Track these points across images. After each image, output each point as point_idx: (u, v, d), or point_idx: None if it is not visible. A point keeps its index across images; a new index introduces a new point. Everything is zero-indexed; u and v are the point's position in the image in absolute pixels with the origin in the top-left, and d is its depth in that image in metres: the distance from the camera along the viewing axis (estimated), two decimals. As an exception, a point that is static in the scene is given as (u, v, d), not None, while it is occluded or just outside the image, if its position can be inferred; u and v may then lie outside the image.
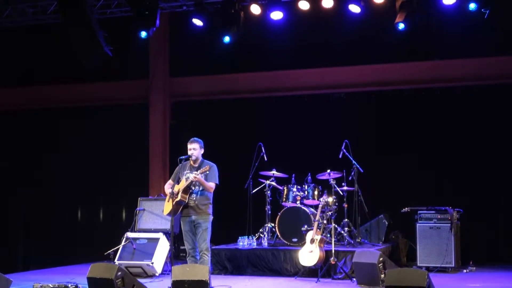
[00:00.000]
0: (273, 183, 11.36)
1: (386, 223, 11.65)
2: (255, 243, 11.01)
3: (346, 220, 11.15)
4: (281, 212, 10.99)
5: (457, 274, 10.48)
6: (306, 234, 10.19)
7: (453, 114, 12.18)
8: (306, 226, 10.45)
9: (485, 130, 11.96)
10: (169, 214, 8.69)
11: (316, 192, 11.12)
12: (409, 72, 12.46)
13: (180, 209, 8.68)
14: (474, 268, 10.78)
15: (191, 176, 8.50)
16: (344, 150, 11.11)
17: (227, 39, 11.20)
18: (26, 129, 14.76)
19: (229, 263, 10.82)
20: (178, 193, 8.59)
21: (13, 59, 14.28)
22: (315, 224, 10.07)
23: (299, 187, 11.17)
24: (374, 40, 12.29)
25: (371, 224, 11.78)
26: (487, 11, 10.67)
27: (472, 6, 10.46)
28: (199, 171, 8.57)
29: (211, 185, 8.62)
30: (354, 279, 9.58)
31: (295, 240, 10.77)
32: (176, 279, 7.87)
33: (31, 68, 14.33)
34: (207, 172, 8.59)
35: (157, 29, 11.11)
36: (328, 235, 10.33)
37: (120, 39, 11.73)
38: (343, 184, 11.10)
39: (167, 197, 8.74)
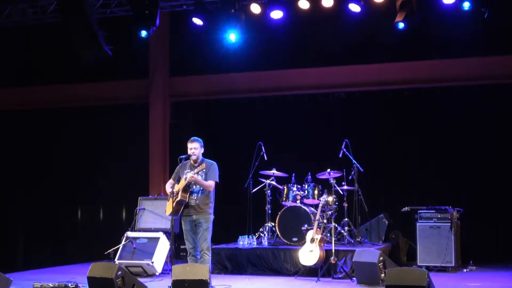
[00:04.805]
0: (273, 183, 11.36)
1: (386, 222, 11.65)
2: (255, 243, 11.01)
3: (346, 219, 11.15)
4: (281, 211, 10.99)
5: (457, 273, 10.48)
6: (306, 234, 10.19)
7: (453, 114, 12.18)
8: (306, 226, 10.45)
9: (485, 129, 11.96)
10: (171, 214, 8.66)
11: (316, 192, 11.12)
12: (409, 72, 12.45)
13: (181, 209, 8.67)
14: (474, 267, 10.78)
15: (188, 176, 8.50)
16: (344, 150, 11.11)
17: (230, 38, 11.20)
18: (26, 129, 14.75)
19: (229, 263, 10.82)
20: (178, 192, 8.59)
21: (13, 59, 14.27)
22: (315, 223, 10.06)
23: (299, 186, 11.17)
24: (374, 40, 12.29)
25: (371, 223, 11.79)
26: (487, 11, 10.68)
27: (466, 5, 10.47)
28: (195, 170, 8.56)
29: (210, 183, 8.60)
30: (354, 278, 9.58)
31: (295, 239, 10.76)
32: (176, 278, 7.87)
33: (31, 68, 14.32)
34: (205, 170, 8.58)
35: (157, 29, 11.11)
36: (328, 235, 10.33)
37: (120, 38, 11.73)
38: (343, 183, 11.10)
39: (169, 197, 8.73)
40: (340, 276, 9.94)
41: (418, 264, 10.61)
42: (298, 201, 11.00)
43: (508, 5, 11.06)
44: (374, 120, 12.68)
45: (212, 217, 8.71)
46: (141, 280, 8.67)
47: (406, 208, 10.97)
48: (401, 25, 10.39)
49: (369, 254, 9.28)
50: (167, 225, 10.80)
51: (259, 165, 11.50)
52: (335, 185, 11.03)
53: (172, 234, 8.90)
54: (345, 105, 12.89)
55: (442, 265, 10.51)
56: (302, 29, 12.46)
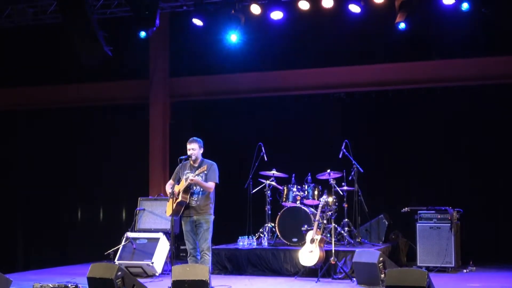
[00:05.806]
0: (273, 183, 11.35)
1: (386, 223, 11.65)
2: (255, 243, 11.01)
3: (346, 220, 11.15)
4: (281, 212, 10.99)
5: (457, 274, 10.48)
6: (306, 234, 10.19)
7: (453, 114, 12.19)
8: (306, 226, 10.45)
9: (485, 130, 11.96)
10: (171, 215, 8.65)
11: (316, 192, 11.12)
12: (409, 72, 12.45)
13: (182, 210, 8.67)
14: (474, 268, 10.77)
15: (189, 177, 8.50)
16: (344, 150, 11.10)
17: (230, 39, 11.20)
18: (26, 129, 14.75)
19: (229, 263, 10.82)
20: (178, 193, 8.59)
21: (13, 59, 14.27)
22: (315, 224, 10.07)
23: (299, 187, 11.17)
24: (374, 40, 12.29)
25: (371, 224, 11.78)
26: (486, 12, 10.69)
27: (464, 6, 10.48)
28: (196, 172, 8.56)
29: (210, 185, 8.61)
30: (354, 279, 9.59)
31: (295, 240, 10.77)
32: (176, 279, 7.87)
33: (31, 68, 14.32)
34: (205, 172, 8.59)
35: (157, 29, 11.12)
36: (328, 235, 10.33)
37: (120, 39, 11.74)
38: (343, 184, 11.09)
39: (169, 198, 8.72)
40: (340, 276, 9.94)
41: (418, 264, 10.61)
42: (298, 202, 11.00)
43: (507, 6, 11.06)
44: (374, 120, 12.68)
45: (212, 217, 8.72)
46: (141, 280, 8.68)
47: (406, 208, 10.96)
48: (402, 25, 10.41)
49: (369, 254, 9.28)
50: (167, 225, 10.81)
51: (259, 166, 11.50)
52: (335, 185, 11.03)
53: (172, 235, 8.91)
54: (344, 105, 12.89)
55: (442, 265, 10.51)
56: (302, 30, 12.45)
